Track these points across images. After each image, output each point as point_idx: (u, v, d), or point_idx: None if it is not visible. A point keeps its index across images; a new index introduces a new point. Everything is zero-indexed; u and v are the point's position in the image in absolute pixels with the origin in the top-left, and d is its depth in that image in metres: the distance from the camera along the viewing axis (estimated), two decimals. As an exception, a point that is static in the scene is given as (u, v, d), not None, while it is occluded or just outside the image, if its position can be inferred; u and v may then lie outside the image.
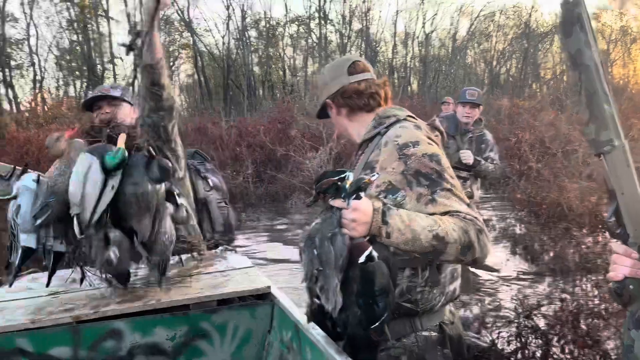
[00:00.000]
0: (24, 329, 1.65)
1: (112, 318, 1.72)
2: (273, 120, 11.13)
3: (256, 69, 27.48)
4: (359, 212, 1.31)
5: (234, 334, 1.85)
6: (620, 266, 1.16)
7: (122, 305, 1.77)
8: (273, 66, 27.71)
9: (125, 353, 1.71)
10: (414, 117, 1.63)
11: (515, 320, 2.64)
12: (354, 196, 1.31)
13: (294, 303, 1.80)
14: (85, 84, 25.81)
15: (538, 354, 2.48)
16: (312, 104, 11.97)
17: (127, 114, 2.40)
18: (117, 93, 2.39)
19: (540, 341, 2.49)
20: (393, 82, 23.14)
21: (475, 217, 1.41)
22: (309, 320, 1.47)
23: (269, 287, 1.90)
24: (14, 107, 21.83)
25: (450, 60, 28.06)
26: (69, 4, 24.51)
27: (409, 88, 27.27)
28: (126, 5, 25.16)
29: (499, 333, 2.66)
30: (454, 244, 1.35)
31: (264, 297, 1.91)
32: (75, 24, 24.99)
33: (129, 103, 2.42)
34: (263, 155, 9.60)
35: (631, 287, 1.16)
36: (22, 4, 23.80)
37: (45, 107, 17.42)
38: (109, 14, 25.36)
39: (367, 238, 1.35)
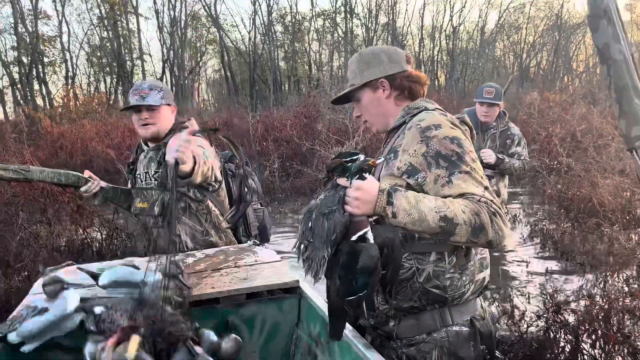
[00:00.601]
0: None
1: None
2: (299, 115, 11.16)
3: (282, 63, 27.62)
4: (361, 191, 1.35)
5: (262, 327, 1.88)
6: None
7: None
8: (299, 61, 27.79)
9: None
10: (442, 110, 1.65)
11: (544, 315, 2.61)
12: (357, 176, 1.37)
13: (322, 297, 1.80)
14: (115, 79, 26.38)
15: (567, 349, 2.45)
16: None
17: (167, 117, 2.49)
18: (157, 97, 2.44)
19: (569, 336, 2.46)
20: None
21: (491, 200, 1.42)
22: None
23: (297, 281, 1.91)
24: (47, 103, 22.46)
25: (478, 53, 27.63)
26: (99, 1, 25.04)
27: (437, 82, 26.99)
28: (155, 3, 25.63)
29: (527, 327, 2.63)
30: (463, 225, 1.36)
31: (292, 291, 1.92)
32: (105, 21, 25.52)
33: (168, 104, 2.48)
34: (289, 150, 9.65)
35: None
36: (54, 1, 24.45)
37: (77, 103, 17.84)
38: (138, 11, 25.82)
39: (374, 218, 1.41)
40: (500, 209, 1.43)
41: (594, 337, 2.36)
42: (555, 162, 7.82)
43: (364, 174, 1.38)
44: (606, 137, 7.82)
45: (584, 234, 4.91)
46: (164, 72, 26.35)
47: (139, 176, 2.55)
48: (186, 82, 26.90)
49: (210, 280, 1.95)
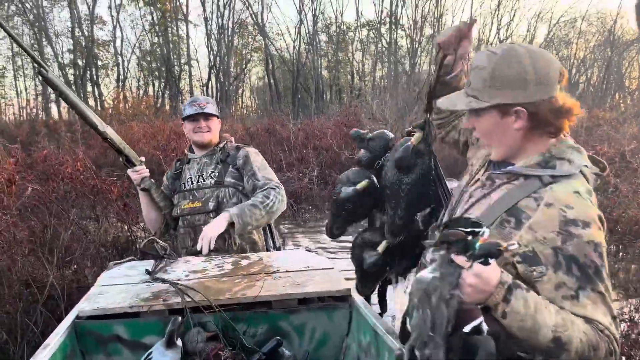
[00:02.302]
0: (122, 312, 1.78)
1: (199, 311, 1.80)
2: (339, 124, 11.24)
3: (325, 72, 27.81)
4: (480, 280, 1.12)
5: (312, 335, 1.90)
6: None
7: (212, 297, 1.84)
8: (341, 70, 27.92)
9: (209, 346, 1.75)
10: (587, 165, 1.33)
11: None
12: (482, 260, 1.11)
13: (373, 308, 1.82)
14: (163, 84, 27.20)
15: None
16: (379, 109, 11.97)
17: (218, 127, 2.84)
18: (213, 108, 2.79)
19: None
20: (463, 89, 22.60)
21: (615, 336, 1.20)
22: None
23: (349, 289, 1.91)
24: (99, 105, 23.40)
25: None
26: (152, 8, 25.94)
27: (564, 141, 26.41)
28: (204, 11, 26.35)
29: None
30: (572, 353, 1.16)
31: (343, 299, 1.92)
32: (156, 27, 26.41)
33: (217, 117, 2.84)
34: (328, 158, 9.72)
35: None
36: (109, 7, 25.51)
37: (127, 105, 18.52)
38: (188, 18, 26.62)
39: (481, 306, 1.16)
40: (618, 346, 1.21)
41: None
42: (603, 182, 7.57)
43: (489, 259, 1.12)
44: (658, 159, 7.54)
45: (630, 258, 4.75)
46: (209, 78, 27.02)
47: (188, 180, 2.77)
48: (231, 88, 27.48)
49: (264, 283, 1.97)
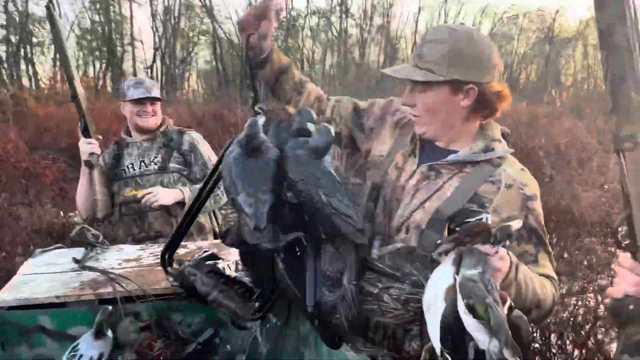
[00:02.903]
0: (48, 303, 1.68)
1: (132, 301, 1.72)
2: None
3: (275, 59, 27.49)
4: (504, 262, 1.17)
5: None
6: (624, 283, 1.05)
7: (146, 287, 1.76)
8: (291, 57, 27.66)
9: (142, 336, 1.69)
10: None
11: None
12: (502, 244, 1.15)
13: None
14: (104, 64, 26.06)
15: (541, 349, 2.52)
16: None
17: (161, 111, 2.74)
18: (158, 92, 2.68)
19: (540, 340, 2.52)
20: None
21: (557, 281, 1.39)
22: None
23: None
24: (33, 84, 22.12)
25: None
26: (93, -16, 24.73)
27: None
28: (149, -11, 25.36)
29: None
30: (541, 311, 1.31)
31: None
32: (97, 4, 25.19)
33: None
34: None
35: (631, 307, 1.04)
36: (47, -19, 24.05)
37: (65, 86, 17.60)
38: (131, -4, 25.54)
39: None
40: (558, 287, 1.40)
41: (560, 342, 2.42)
42: (539, 173, 7.91)
43: (507, 241, 1.16)
44: (590, 151, 7.95)
45: (563, 245, 4.99)
46: (154, 60, 26.10)
47: (129, 167, 2.65)
48: (176, 71, 26.69)
49: None
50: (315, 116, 1.42)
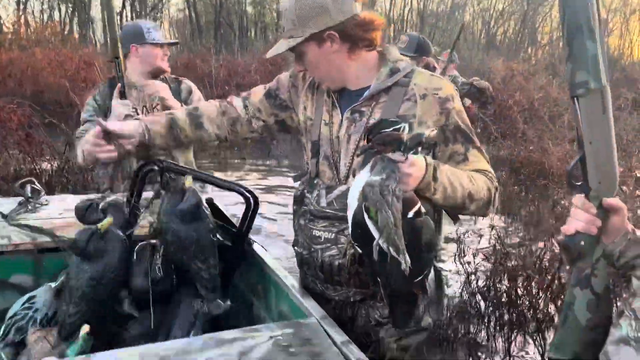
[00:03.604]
0: None
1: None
2: (264, 62, 10.91)
3: (249, 8, 26.65)
4: (415, 167, 1.26)
5: None
6: (575, 220, 1.11)
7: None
8: (267, 7, 26.89)
9: (87, 286, 1.63)
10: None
11: (492, 256, 2.78)
12: (413, 151, 1.25)
13: (260, 245, 1.82)
14: (71, 9, 24.85)
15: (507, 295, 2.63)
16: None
17: None
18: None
19: (508, 282, 2.62)
20: (389, 35, 22.72)
21: (494, 175, 1.45)
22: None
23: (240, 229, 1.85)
24: (-5, 28, 21.01)
25: (448, 16, 27.52)
26: None
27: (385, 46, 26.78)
28: None
29: (476, 271, 2.79)
30: (478, 201, 1.38)
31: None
32: (63, -56, 23.78)
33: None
34: (252, 97, 9.46)
35: (582, 243, 1.10)
36: None
37: (29, 30, 16.79)
38: (98, -64, 24.16)
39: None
40: (495, 180, 1.46)
41: (526, 283, 2.53)
42: (513, 129, 8.03)
43: (418, 147, 1.27)
44: (561, 107, 8.07)
45: (532, 197, 5.13)
46: (124, 6, 24.94)
47: (133, 112, 2.57)
48: (147, 19, 25.68)
49: (148, 222, 1.80)
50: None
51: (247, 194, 1.70)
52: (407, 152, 1.24)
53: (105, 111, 2.56)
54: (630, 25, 26.41)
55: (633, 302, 1.06)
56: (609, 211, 1.10)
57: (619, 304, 1.11)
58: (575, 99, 1.04)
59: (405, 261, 1.17)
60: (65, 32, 21.69)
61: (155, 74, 2.66)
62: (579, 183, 1.11)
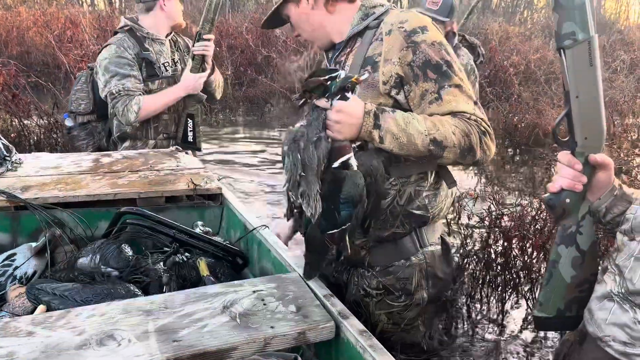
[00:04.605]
0: None
1: (54, 207, 1.66)
2: (256, 21, 10.66)
3: (241, -33, 25.94)
4: (343, 114, 1.20)
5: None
6: (560, 177, 1.09)
7: (66, 192, 1.72)
8: None
9: (68, 244, 1.66)
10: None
11: (487, 218, 2.77)
12: (339, 96, 1.20)
13: (243, 205, 1.82)
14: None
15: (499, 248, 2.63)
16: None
17: None
18: None
19: (503, 244, 2.62)
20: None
21: (481, 118, 1.32)
22: (288, 219, 1.42)
23: (219, 188, 1.88)
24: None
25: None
26: None
27: (399, 3, 26.32)
28: None
29: (471, 232, 2.78)
30: (452, 148, 1.27)
31: (214, 198, 1.89)
32: None
33: None
34: (243, 59, 9.28)
35: (567, 200, 1.09)
36: None
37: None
38: None
39: (358, 144, 1.28)
40: (489, 126, 1.35)
41: (521, 243, 2.53)
42: (509, 92, 7.96)
43: (346, 93, 1.20)
44: (558, 70, 7.98)
45: (525, 160, 5.12)
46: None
47: (164, 65, 2.64)
48: (135, -22, 24.95)
49: (128, 181, 1.88)
50: None
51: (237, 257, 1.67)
52: (332, 98, 1.20)
53: (140, 63, 2.56)
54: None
55: (617, 257, 1.05)
56: (595, 167, 1.08)
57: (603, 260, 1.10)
58: (562, 50, 1.01)
59: (310, 208, 1.16)
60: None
61: (175, 29, 2.68)
62: (565, 139, 1.09)
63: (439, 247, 1.51)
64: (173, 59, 2.67)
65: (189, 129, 2.69)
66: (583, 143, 1.06)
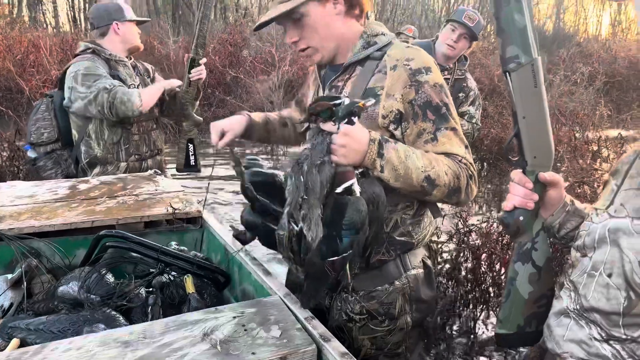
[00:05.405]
0: None
1: (30, 237, 1.63)
2: (224, 42, 10.66)
3: (208, -12, 25.97)
4: (349, 138, 1.19)
5: None
6: (513, 195, 1.11)
7: (42, 221, 1.68)
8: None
9: (45, 274, 1.62)
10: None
11: (455, 235, 2.80)
12: (346, 120, 1.19)
13: (224, 227, 1.80)
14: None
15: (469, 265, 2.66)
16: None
17: None
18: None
19: (472, 258, 2.65)
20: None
21: (470, 163, 1.35)
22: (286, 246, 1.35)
23: (199, 211, 1.86)
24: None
25: (409, -6, 27.52)
26: None
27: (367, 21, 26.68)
28: None
29: (440, 252, 2.81)
30: (442, 187, 1.29)
31: (194, 221, 1.87)
32: None
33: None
34: (212, 79, 9.25)
35: (521, 218, 1.11)
36: None
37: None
38: None
39: (360, 171, 1.26)
40: (475, 171, 1.37)
41: (489, 260, 2.56)
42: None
43: (353, 117, 1.19)
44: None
45: (489, 175, 5.20)
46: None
47: (131, 87, 2.63)
48: (101, -1, 24.71)
49: (106, 207, 1.85)
50: None
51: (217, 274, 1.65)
52: (339, 122, 1.19)
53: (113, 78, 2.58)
54: (584, 2, 26.97)
55: (572, 273, 1.07)
56: (545, 185, 1.11)
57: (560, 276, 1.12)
58: (507, 73, 1.03)
59: (312, 232, 1.14)
60: (14, 15, 20.67)
61: (133, 52, 2.67)
62: (516, 158, 1.11)
63: (421, 270, 1.51)
64: (133, 83, 2.66)
65: (190, 153, 2.70)
66: (532, 162, 1.09)
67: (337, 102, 1.18)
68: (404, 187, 1.30)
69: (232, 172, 5.85)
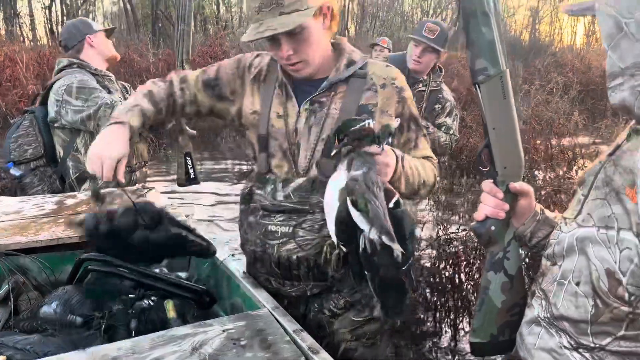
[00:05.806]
0: None
1: (16, 254, 1.60)
2: (203, 54, 10.66)
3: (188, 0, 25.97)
4: (390, 157, 1.28)
5: None
6: (484, 205, 1.13)
7: (28, 238, 1.67)
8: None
9: (32, 290, 1.60)
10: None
11: (436, 242, 2.83)
12: (386, 142, 1.26)
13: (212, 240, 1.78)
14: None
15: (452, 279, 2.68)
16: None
17: None
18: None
19: (451, 268, 2.67)
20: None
21: (435, 159, 1.55)
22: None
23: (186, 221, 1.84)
24: None
25: (387, 6, 27.85)
26: None
27: (347, 33, 26.92)
28: None
29: (420, 258, 2.83)
30: (428, 187, 1.46)
31: None
32: None
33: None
34: (193, 91, 9.23)
35: (492, 227, 1.12)
36: None
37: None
38: None
39: None
40: (439, 164, 1.57)
41: (467, 268, 2.59)
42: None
43: (389, 139, 1.27)
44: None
45: (467, 185, 5.26)
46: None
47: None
48: (79, 12, 24.50)
49: None
50: None
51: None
52: (381, 144, 1.24)
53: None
54: (559, 12, 27.59)
55: (542, 282, 1.09)
56: (516, 195, 1.13)
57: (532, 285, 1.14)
58: (477, 85, 1.04)
59: (397, 249, 1.15)
60: (-11, 28, 20.38)
61: (111, 62, 2.67)
62: (487, 169, 1.13)
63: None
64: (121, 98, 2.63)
65: (189, 167, 2.68)
66: (503, 172, 1.11)
67: (362, 123, 1.22)
68: (407, 191, 1.41)
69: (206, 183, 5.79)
